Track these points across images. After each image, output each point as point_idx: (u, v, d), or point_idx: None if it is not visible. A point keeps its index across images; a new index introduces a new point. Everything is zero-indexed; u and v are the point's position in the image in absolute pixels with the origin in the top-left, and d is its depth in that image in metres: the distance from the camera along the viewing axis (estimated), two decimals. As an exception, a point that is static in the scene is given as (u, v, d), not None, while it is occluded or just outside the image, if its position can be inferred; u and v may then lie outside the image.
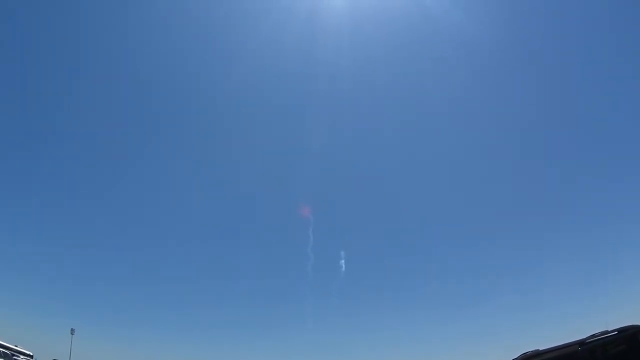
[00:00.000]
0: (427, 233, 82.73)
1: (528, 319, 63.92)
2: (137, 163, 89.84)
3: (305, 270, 72.55)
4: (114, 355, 74.54)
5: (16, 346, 37.77)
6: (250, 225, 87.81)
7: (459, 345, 65.33)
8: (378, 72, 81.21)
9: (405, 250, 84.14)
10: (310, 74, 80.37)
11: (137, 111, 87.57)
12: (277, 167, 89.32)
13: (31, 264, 77.97)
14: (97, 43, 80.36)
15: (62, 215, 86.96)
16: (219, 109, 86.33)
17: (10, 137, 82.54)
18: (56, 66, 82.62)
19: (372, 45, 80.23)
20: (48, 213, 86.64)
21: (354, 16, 76.58)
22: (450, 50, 75.65)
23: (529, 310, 67.50)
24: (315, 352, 71.11)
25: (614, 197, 73.18)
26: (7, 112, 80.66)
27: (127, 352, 71.42)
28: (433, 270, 78.34)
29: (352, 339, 72.34)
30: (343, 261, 71.79)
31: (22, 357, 37.33)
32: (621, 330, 9.80)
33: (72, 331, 51.50)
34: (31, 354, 39.94)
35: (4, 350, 34.40)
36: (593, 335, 10.08)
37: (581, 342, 9.98)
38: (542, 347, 10.25)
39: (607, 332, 9.99)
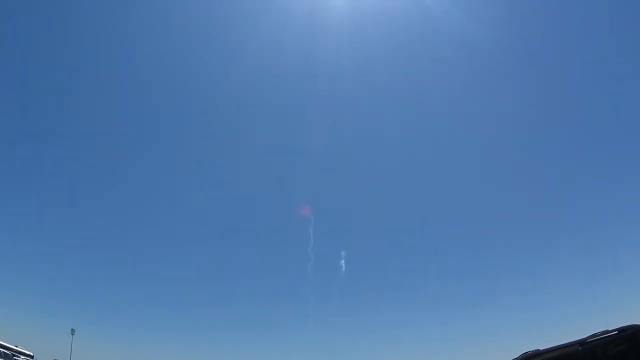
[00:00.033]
0: (427, 233, 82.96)
1: (528, 319, 64.26)
2: (137, 163, 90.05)
3: (305, 270, 72.76)
4: (114, 355, 74.83)
5: (16, 346, 37.79)
6: (251, 225, 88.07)
7: (459, 345, 65.65)
8: (378, 72, 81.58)
9: (405, 251, 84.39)
10: (310, 74, 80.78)
11: (138, 111, 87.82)
12: (277, 167, 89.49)
13: (31, 264, 78.33)
14: (98, 43, 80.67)
15: (62, 215, 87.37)
16: (219, 109, 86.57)
17: (10, 137, 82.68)
18: (56, 66, 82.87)
19: (372, 45, 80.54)
20: (48, 213, 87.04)
21: (354, 16, 76.94)
22: (450, 50, 75.96)
23: (529, 310, 67.84)
24: (316, 352, 71.41)
25: (614, 197, 73.55)
26: (7, 112, 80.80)
27: (127, 352, 71.75)
28: (433, 270, 78.57)
29: (352, 339, 72.67)
30: (343, 261, 72.05)
31: (22, 357, 37.33)
32: (621, 330, 9.82)
33: (73, 331, 51.72)
34: (31, 354, 39.96)
35: (4, 351, 34.40)
36: (593, 335, 10.11)
37: (581, 342, 10.02)
38: (542, 347, 10.28)
39: (607, 331, 10.01)
